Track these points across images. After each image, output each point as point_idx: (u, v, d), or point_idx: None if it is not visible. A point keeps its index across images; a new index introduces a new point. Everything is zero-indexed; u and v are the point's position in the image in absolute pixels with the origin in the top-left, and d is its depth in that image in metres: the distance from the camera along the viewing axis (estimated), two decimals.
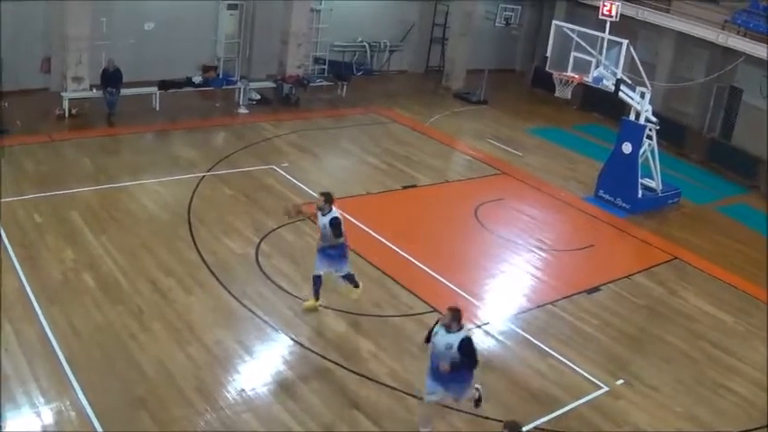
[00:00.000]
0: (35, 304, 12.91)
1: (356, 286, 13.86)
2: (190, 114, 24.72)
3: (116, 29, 24.97)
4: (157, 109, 24.55)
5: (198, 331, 12.72)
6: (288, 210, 13.94)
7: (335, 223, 12.82)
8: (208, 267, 14.87)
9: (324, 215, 12.89)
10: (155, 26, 26.08)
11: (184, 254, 15.36)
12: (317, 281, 13.54)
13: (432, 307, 14.28)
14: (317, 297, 13.67)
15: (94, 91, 23.59)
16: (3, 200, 16.51)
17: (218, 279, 14.46)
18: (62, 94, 23.28)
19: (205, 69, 26.45)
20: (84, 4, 23.42)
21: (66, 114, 22.87)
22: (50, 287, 13.55)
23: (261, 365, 12.21)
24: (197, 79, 25.83)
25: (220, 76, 26.53)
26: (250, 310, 13.53)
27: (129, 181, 18.79)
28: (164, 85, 24.87)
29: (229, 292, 14.04)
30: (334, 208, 12.95)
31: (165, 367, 11.67)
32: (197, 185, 18.87)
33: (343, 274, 13.59)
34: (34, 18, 23.82)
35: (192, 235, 16.22)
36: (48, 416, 10.44)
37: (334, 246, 13.17)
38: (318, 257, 13.37)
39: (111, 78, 23.04)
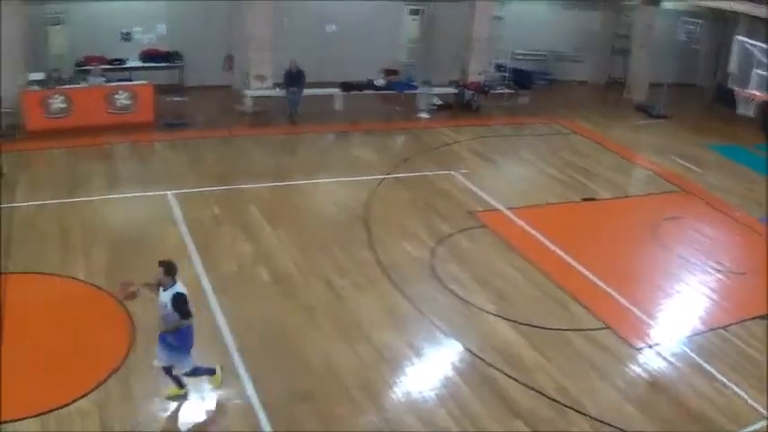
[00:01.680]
0: (209, 293, 13.70)
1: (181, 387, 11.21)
2: (370, 117, 25.47)
3: (298, 30, 26.06)
4: (339, 110, 25.41)
5: (367, 330, 13.04)
6: (120, 289, 11.12)
7: (180, 300, 10.36)
8: (382, 268, 15.23)
9: (165, 290, 10.45)
10: (337, 28, 27.03)
11: (359, 253, 15.80)
12: (166, 371, 11.04)
13: (603, 323, 14.05)
14: (179, 385, 11.19)
15: (277, 90, 24.73)
16: (185, 191, 17.71)
17: (391, 280, 14.78)
18: (244, 91, 24.54)
19: (387, 73, 27.11)
20: (266, 4, 24.60)
21: (248, 112, 24.08)
22: (225, 278, 14.33)
23: (428, 369, 12.35)
24: (379, 82, 26.52)
25: (402, 80, 27.12)
26: (422, 313, 13.73)
27: (308, 179, 19.64)
28: (346, 86, 25.72)
29: (402, 293, 14.34)
30: (178, 282, 10.55)
31: (331, 363, 12.02)
32: (375, 187, 19.38)
33: (185, 371, 10.91)
34: (217, 16, 25.25)
35: (368, 235, 16.71)
36: (213, 402, 11.02)
37: (176, 331, 10.52)
38: (159, 345, 10.75)
39: (293, 78, 24.10)
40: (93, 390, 11.01)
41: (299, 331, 12.88)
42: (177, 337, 10.53)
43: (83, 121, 22.44)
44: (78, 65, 24.62)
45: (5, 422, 10.30)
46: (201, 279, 14.20)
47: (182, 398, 11.05)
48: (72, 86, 23.09)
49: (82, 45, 24.51)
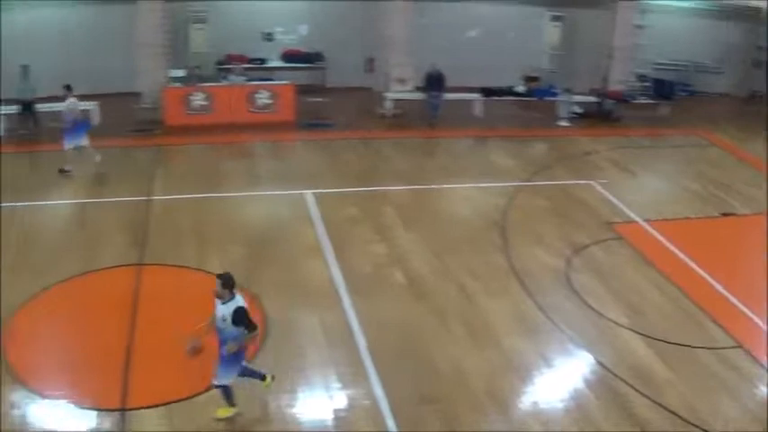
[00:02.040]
0: (343, 293, 13.94)
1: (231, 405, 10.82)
2: (509, 123, 25.35)
3: (438, 33, 26.19)
4: (478, 115, 25.42)
5: (498, 336, 12.96)
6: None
7: (242, 314, 10.09)
8: (516, 275, 15.15)
9: (223, 303, 10.19)
10: (478, 33, 27.04)
11: (493, 259, 15.75)
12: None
13: (737, 342, 13.47)
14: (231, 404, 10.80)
15: (418, 93, 24.93)
16: (322, 190, 18.14)
17: (524, 287, 14.68)
18: (385, 93, 24.83)
19: (528, 79, 26.94)
20: (406, 5, 24.86)
21: (389, 114, 24.37)
22: (359, 278, 14.55)
23: (557, 379, 12.18)
24: (520, 88, 26.38)
25: (543, 87, 26.92)
26: (553, 322, 13.58)
27: (444, 183, 19.73)
28: (486, 92, 25.71)
29: (535, 301, 14.23)
30: (237, 295, 10.25)
31: (460, 367, 12.00)
32: (512, 194, 19.29)
33: (220, 383, 10.55)
34: (359, 17, 25.65)
35: (502, 242, 16.64)
36: (341, 401, 11.17)
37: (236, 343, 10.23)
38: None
39: (434, 82, 24.24)
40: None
41: (430, 334, 12.94)
42: (237, 350, 10.32)
43: (223, 119, 23.21)
44: (219, 63, 25.44)
45: (131, 409, 10.75)
46: (335, 278, 14.48)
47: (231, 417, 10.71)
48: (213, 84, 23.91)
49: (223, 43, 25.34)
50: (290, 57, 26.44)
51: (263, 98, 23.83)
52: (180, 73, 24.22)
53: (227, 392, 10.64)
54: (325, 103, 24.93)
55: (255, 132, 22.82)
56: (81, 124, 20.11)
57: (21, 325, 13.04)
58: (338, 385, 11.45)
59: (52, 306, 13.63)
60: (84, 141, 19.83)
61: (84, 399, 11.02)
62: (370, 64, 26.04)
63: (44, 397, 11.16)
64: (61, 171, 19.79)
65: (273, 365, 11.64)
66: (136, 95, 24.39)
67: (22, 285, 14.10)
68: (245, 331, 10.16)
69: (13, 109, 22.99)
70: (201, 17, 24.88)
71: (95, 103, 23.92)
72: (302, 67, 26.23)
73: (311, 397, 11.30)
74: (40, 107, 22.80)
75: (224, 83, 24.13)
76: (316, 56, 26.34)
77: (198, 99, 23.53)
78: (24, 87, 22.55)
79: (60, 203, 18.37)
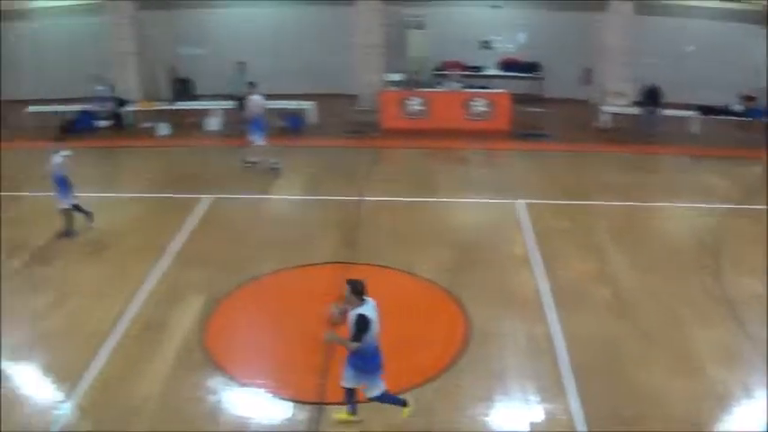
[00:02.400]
0: (548, 306, 14.10)
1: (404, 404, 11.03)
2: (724, 142, 24.58)
3: (655, 47, 25.68)
4: (694, 133, 24.79)
5: (702, 363, 12.68)
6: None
7: (358, 321, 10.08)
8: (726, 302, 14.70)
9: (353, 309, 10.25)
10: (695, 48, 26.33)
11: (703, 283, 15.35)
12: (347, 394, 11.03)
13: None
14: (351, 411, 11.10)
15: (635, 108, 24.61)
16: (534, 201, 18.50)
17: (735, 317, 14.21)
18: (601, 107, 24.66)
19: (745, 98, 25.97)
20: (625, 17, 24.53)
21: (605, 128, 24.19)
22: (565, 291, 14.64)
23: (760, 413, 11.81)
24: (736, 107, 25.51)
25: (761, 108, 25.85)
26: (763, 355, 13.10)
27: (656, 201, 19.47)
28: (703, 110, 25.03)
29: (745, 332, 13.79)
30: (368, 299, 10.30)
31: (661, 392, 11.86)
32: (724, 216, 18.76)
33: (374, 394, 10.70)
34: (577, 28, 25.54)
35: (713, 266, 16.21)
36: (538, 413, 11.33)
37: (358, 352, 10.33)
38: (347, 365, 10.67)
39: (650, 97, 23.87)
40: (420, 385, 11.75)
41: (632, 354, 12.86)
42: (363, 358, 10.39)
43: (438, 125, 23.80)
44: (436, 69, 26.02)
45: (328, 404, 11.30)
46: (542, 291, 14.65)
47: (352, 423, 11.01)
48: (429, 90, 24.51)
49: (441, 50, 25.89)
50: (506, 65, 26.73)
51: (478, 106, 24.23)
52: (397, 77, 24.98)
53: (348, 398, 10.85)
54: (540, 113, 25.08)
55: (470, 140, 23.28)
56: (260, 122, 21.44)
57: (226, 313, 14.08)
58: (535, 397, 11.63)
59: (259, 297, 14.60)
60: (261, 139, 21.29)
61: (281, 390, 11.74)
62: (587, 75, 25.92)
63: (241, 384, 11.99)
64: (248, 164, 21.43)
65: (472, 371, 12.04)
66: (352, 97, 25.43)
67: (231, 275, 15.26)
68: (348, 339, 10.16)
69: (230, 104, 24.55)
70: (420, 22, 25.52)
71: (312, 102, 25.16)
72: (519, 76, 26.44)
73: (507, 406, 11.53)
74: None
75: (440, 89, 24.70)
76: (532, 65, 26.49)
77: (414, 104, 24.23)
78: (240, 83, 24.00)
79: (274, 198, 19.65)
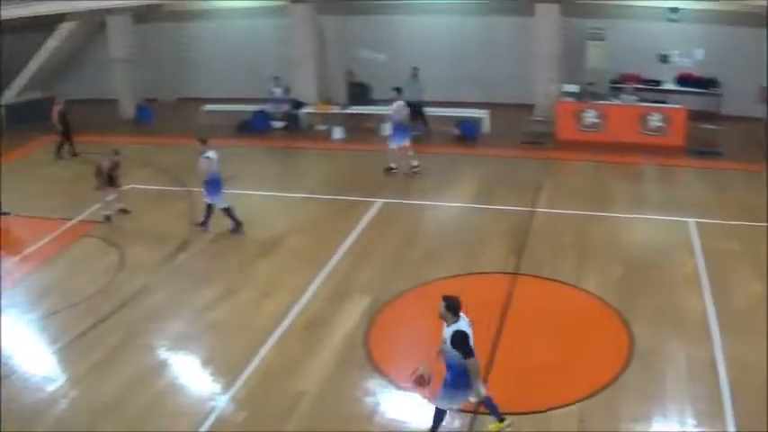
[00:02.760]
0: (713, 330, 13.86)
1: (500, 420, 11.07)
2: None
3: None
4: None
5: None
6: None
7: (459, 338, 10.18)
8: None
9: (447, 326, 10.37)
10: None
11: None
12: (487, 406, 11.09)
13: None
14: (499, 419, 11.07)
15: None
16: (707, 221, 18.28)
17: None
18: None
19: None
20: None
21: None
22: (732, 315, 14.33)
23: None
24: None
25: None
26: None
27: None
28: None
29: None
30: (462, 315, 10.40)
31: None
32: None
33: (479, 399, 10.85)
34: (757, 44, 24.83)
35: None
36: None
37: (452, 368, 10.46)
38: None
39: None
40: (576, 401, 11.87)
41: None
42: (452, 374, 10.50)
43: (613, 138, 23.71)
44: (613, 81, 25.90)
45: (483, 413, 11.44)
46: (709, 314, 14.40)
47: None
48: (605, 102, 24.46)
49: (618, 62, 25.69)
50: (683, 80, 26.27)
51: (654, 120, 23.99)
52: (573, 88, 25.00)
53: (491, 407, 10.92)
54: (716, 130, 24.56)
55: (644, 155, 23.09)
56: (403, 127, 22.09)
57: (390, 316, 14.63)
58: (693, 421, 11.55)
59: (424, 302, 14.80)
60: (406, 143, 21.99)
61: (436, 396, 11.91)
62: (762, 93, 25.21)
63: (399, 388, 12.46)
64: (388, 170, 22.05)
65: (632, 390, 12.09)
66: (527, 107, 25.64)
67: (399, 279, 15.89)
68: (462, 358, 10.21)
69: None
70: (599, 34, 25.41)
71: (486, 111, 25.54)
72: (695, 91, 25.94)
73: (665, 427, 11.49)
74: (429, 110, 24.83)
75: (616, 101, 24.58)
76: (710, 81, 25.91)
77: (590, 116, 24.23)
78: (414, 89, 24.64)
79: (445, 205, 20.15)
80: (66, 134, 26.39)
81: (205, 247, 18.41)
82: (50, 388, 13.35)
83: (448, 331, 10.30)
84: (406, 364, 12.81)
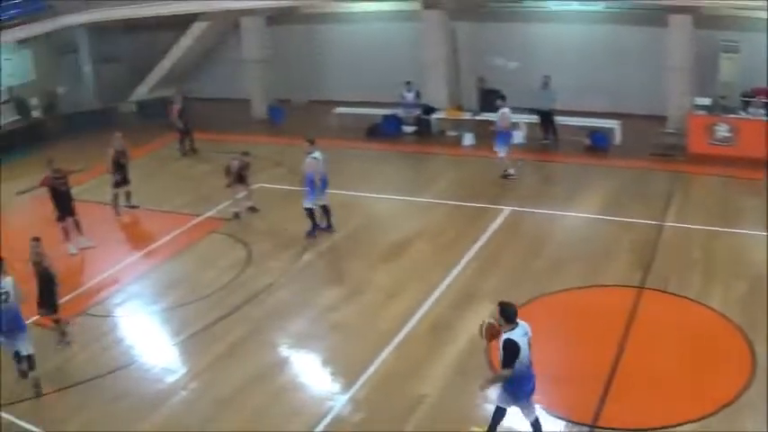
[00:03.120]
0: None
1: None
2: None
3: None
4: None
5: None
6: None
7: (506, 346, 10.35)
8: None
9: (504, 332, 10.49)
10: None
11: None
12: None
13: None
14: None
15: None
16: None
17: None
18: None
19: None
20: None
21: None
22: None
23: None
24: None
25: None
26: None
27: None
28: None
29: None
30: (521, 323, 10.57)
31: None
32: None
33: (530, 419, 11.04)
34: None
35: None
36: None
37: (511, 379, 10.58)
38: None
39: None
40: (700, 419, 11.78)
41: None
42: (514, 383, 10.61)
43: (745, 153, 23.19)
44: (744, 95, 25.34)
45: (600, 428, 11.61)
46: None
47: None
48: (736, 116, 23.99)
49: (751, 75, 25.11)
50: None
51: None
52: (705, 101, 24.62)
53: (495, 416, 11.01)
54: None
55: None
56: (507, 134, 22.39)
57: None
58: None
59: (548, 312, 15.16)
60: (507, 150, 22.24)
61: (556, 406, 12.18)
62: None
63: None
64: (504, 176, 22.44)
65: (754, 409, 11.90)
66: (658, 119, 25.35)
67: (523, 287, 16.01)
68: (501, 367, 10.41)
69: (534, 118, 25.31)
70: (733, 47, 24.94)
71: (617, 122, 25.39)
72: None
73: None
74: (559, 119, 24.86)
75: (745, 116, 24.07)
76: None
77: (722, 130, 23.79)
78: (544, 97, 24.70)
79: (572, 215, 20.19)
80: (185, 131, 27.73)
81: (331, 248, 19.00)
82: (170, 379, 14.16)
83: (502, 338, 10.47)
84: None
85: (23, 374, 14.05)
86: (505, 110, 22.52)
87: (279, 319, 15.89)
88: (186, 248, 19.77)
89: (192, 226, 20.88)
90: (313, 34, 32.58)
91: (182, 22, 32.44)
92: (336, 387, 13.37)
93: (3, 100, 25.31)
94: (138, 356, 15.16)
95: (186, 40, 33.13)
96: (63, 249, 19.64)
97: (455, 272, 17.07)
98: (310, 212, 19.38)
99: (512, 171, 22.64)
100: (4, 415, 13.48)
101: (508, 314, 10.48)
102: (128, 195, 22.28)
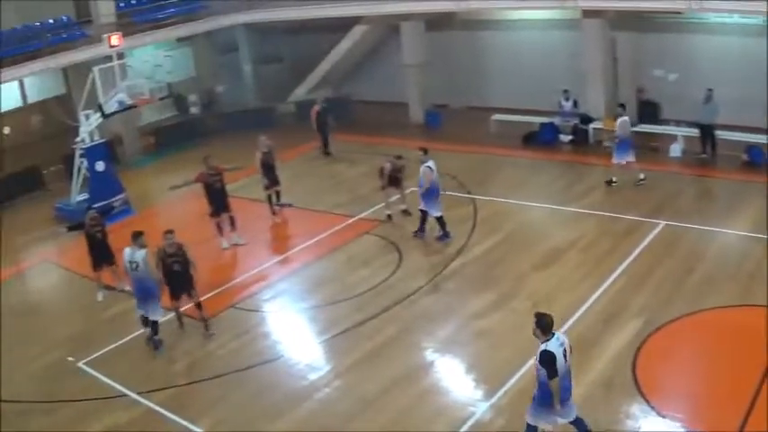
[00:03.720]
0: None
1: None
2: None
3: None
4: None
5: None
6: None
7: (543, 357, 10.51)
8: None
9: (541, 343, 10.66)
10: None
11: None
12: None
13: None
14: None
15: None
16: None
17: None
18: None
19: None
20: None
21: None
22: None
23: None
24: None
25: None
26: None
27: None
28: None
29: None
30: (557, 334, 10.74)
31: None
32: None
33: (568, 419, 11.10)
34: None
35: None
36: None
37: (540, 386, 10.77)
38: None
39: None
40: None
41: None
42: (540, 390, 10.69)
43: None
44: None
45: None
46: None
47: None
48: None
49: None
50: None
51: None
52: None
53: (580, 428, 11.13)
54: None
55: None
56: (627, 142, 22.12)
57: (660, 342, 14.41)
58: None
59: (695, 331, 14.78)
60: (631, 158, 22.25)
61: (699, 423, 11.96)
62: None
63: (660, 415, 12.30)
64: (608, 183, 22.45)
65: None
66: None
67: (673, 305, 15.61)
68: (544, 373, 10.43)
69: (694, 132, 24.58)
70: None
71: None
72: None
73: None
74: (720, 133, 24.06)
75: None
76: None
77: None
78: (706, 111, 24.02)
79: (727, 232, 19.28)
80: (322, 133, 28.53)
81: (481, 255, 18.90)
82: (313, 376, 14.47)
83: (539, 349, 10.55)
84: (671, 392, 12.92)
85: (149, 339, 16.10)
86: (626, 118, 22.42)
87: (426, 322, 15.96)
88: (338, 248, 20.08)
89: (345, 226, 21.15)
90: (472, 40, 32.59)
91: (342, 26, 33.05)
92: (479, 393, 13.35)
93: (162, 96, 26.25)
94: (283, 352, 15.52)
95: (346, 43, 33.72)
96: (215, 244, 20.23)
97: (605, 285, 16.72)
98: (440, 219, 19.63)
99: (614, 179, 22.67)
100: (144, 401, 14.06)
101: (543, 325, 10.62)
102: (278, 195, 22.76)
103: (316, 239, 20.70)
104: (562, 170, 25.46)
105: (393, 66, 32.84)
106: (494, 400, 13.04)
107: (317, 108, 28.46)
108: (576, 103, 27.31)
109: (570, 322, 15.21)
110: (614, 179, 22.65)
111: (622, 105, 23.09)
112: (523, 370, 13.60)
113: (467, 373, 14.14)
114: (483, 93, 32.25)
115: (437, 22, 31.76)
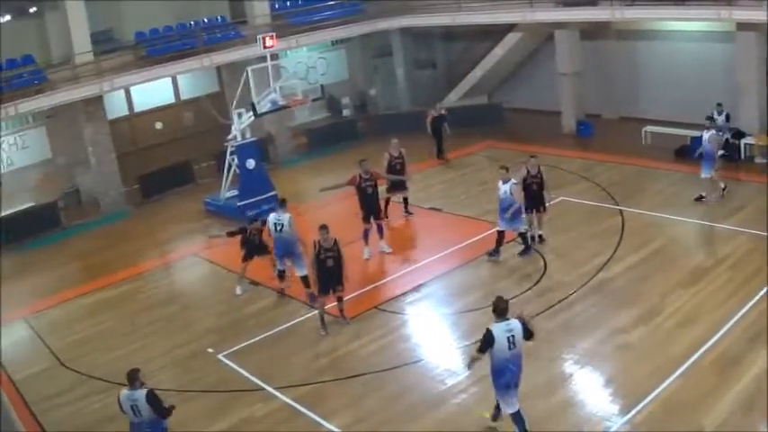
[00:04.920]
0: None
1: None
2: None
3: None
4: None
5: None
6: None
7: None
8: None
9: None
10: None
11: None
12: None
13: None
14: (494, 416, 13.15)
15: None
16: None
17: None
18: None
19: None
20: None
21: None
22: None
23: None
24: None
25: None
26: None
27: None
28: None
29: None
30: (511, 320, 12.32)
31: None
32: None
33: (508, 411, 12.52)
34: None
35: None
36: None
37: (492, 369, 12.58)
38: None
39: None
40: None
41: None
42: (493, 373, 12.30)
43: None
44: None
45: None
46: None
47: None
48: None
49: None
50: None
51: None
52: None
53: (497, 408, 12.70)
54: None
55: None
56: (714, 156, 22.01)
57: None
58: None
59: None
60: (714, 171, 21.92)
61: None
62: None
63: None
64: (698, 198, 22.34)
65: None
66: None
67: None
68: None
69: None
70: None
71: None
72: None
73: None
74: None
75: None
76: None
77: None
78: None
79: None
80: (436, 139, 29.41)
81: (627, 269, 18.86)
82: (452, 381, 14.84)
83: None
84: None
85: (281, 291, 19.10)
86: (713, 132, 22.17)
87: (568, 334, 16.11)
88: (484, 255, 20.31)
89: (492, 233, 21.33)
90: (626, 50, 32.28)
91: (496, 33, 33.28)
92: (615, 408, 13.43)
93: (315, 98, 27.09)
94: (424, 355, 15.95)
95: (499, 51, 34.00)
96: (359, 250, 20.89)
97: (751, 304, 16.41)
98: (523, 235, 19.90)
99: (704, 194, 22.48)
100: (281, 396, 14.72)
101: (496, 309, 12.16)
102: (405, 201, 23.27)
103: (462, 245, 21.04)
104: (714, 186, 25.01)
105: (547, 74, 32.98)
106: (630, 415, 13.09)
107: (432, 114, 29.04)
108: (728, 118, 26.72)
109: (713, 340, 15.10)
110: (704, 194, 22.39)
111: (711, 118, 22.75)
112: (660, 388, 13.65)
113: (604, 387, 14.21)
114: (636, 103, 31.96)
115: (592, 31, 31.73)
